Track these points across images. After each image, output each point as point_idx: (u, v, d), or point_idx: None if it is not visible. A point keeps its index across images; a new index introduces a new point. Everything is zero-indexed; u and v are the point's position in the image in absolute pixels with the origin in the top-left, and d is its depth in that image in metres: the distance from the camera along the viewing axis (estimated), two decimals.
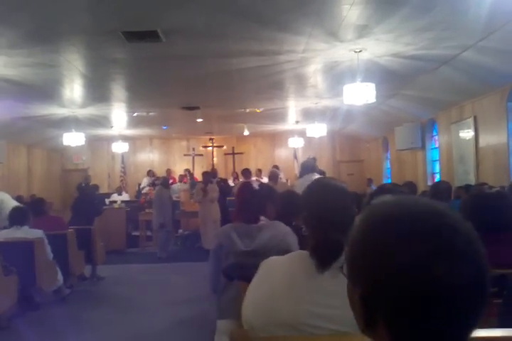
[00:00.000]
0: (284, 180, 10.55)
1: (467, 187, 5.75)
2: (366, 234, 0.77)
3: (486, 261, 0.73)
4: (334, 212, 1.55)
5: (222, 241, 2.86)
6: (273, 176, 9.63)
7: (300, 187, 6.65)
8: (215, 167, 13.40)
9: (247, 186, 3.04)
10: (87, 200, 8.30)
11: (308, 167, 6.89)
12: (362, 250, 0.76)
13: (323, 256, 1.49)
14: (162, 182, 9.96)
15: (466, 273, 0.70)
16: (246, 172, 10.03)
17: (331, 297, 1.46)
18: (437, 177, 10.05)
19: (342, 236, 1.48)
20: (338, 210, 1.56)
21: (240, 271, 2.38)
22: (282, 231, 2.84)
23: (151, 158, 16.21)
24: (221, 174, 12.96)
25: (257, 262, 1.73)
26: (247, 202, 2.95)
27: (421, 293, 0.70)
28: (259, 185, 3.02)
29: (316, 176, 6.71)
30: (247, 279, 2.13)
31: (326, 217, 1.55)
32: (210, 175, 9.91)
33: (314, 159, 8.43)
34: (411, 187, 5.46)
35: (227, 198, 9.82)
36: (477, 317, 0.73)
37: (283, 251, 2.72)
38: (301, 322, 1.46)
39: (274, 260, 1.66)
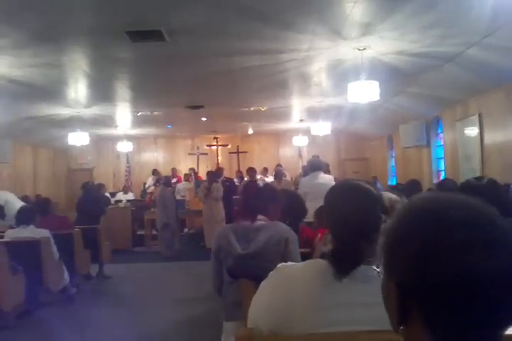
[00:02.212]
0: (288, 179, 10.56)
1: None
2: (404, 224, 0.79)
3: None
4: (361, 216, 1.48)
5: (221, 243, 2.83)
6: (278, 175, 9.67)
7: (306, 184, 6.65)
8: (221, 166, 13.39)
9: (251, 185, 3.08)
10: (90, 199, 8.34)
11: (314, 165, 6.88)
12: (400, 239, 0.78)
13: (342, 263, 1.43)
14: (164, 181, 9.96)
15: (502, 263, 0.70)
16: (251, 172, 10.01)
17: (353, 308, 1.41)
18: (442, 175, 10.01)
19: (365, 243, 1.45)
20: (365, 216, 1.48)
21: (244, 270, 2.38)
22: (281, 231, 2.80)
23: (155, 157, 16.24)
24: (226, 173, 12.97)
25: (260, 263, 1.69)
26: (250, 199, 2.96)
27: (455, 280, 0.71)
28: (263, 185, 3.06)
29: (322, 174, 6.71)
30: (252, 278, 2.13)
31: (351, 222, 1.47)
32: (214, 174, 9.92)
33: (317, 157, 8.44)
34: (415, 185, 5.46)
35: (234, 197, 9.83)
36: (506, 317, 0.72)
37: (282, 253, 2.72)
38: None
39: (288, 267, 1.57)
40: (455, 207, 0.77)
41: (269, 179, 12.05)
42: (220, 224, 9.28)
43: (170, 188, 10.01)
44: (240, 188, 9.09)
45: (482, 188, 2.69)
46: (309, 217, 4.40)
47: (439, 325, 0.73)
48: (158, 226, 9.59)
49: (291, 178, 12.34)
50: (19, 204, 6.57)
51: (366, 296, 1.39)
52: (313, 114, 10.95)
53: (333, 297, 1.43)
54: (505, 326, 0.73)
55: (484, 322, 0.71)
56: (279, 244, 2.73)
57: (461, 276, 0.70)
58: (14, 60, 5.93)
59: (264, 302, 1.53)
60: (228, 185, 10.20)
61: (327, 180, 6.54)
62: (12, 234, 5.50)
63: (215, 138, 15.03)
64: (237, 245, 2.75)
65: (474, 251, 0.71)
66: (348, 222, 1.48)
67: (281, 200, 3.17)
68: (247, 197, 3.04)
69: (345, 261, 1.43)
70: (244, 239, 2.77)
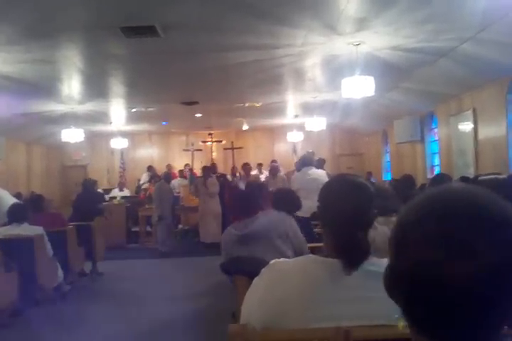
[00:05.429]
0: (282, 174, 10.60)
1: (464, 180, 5.74)
2: (401, 214, 0.78)
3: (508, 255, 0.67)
4: (358, 210, 1.48)
5: (226, 242, 3.02)
6: (273, 170, 9.69)
7: (298, 180, 6.70)
8: (215, 162, 13.38)
9: (232, 192, 3.29)
10: (88, 198, 8.32)
11: (305, 161, 6.93)
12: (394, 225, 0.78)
13: (353, 256, 1.43)
14: (164, 176, 10.09)
15: (468, 264, 0.66)
16: (246, 167, 9.95)
17: (351, 302, 1.40)
18: (437, 170, 10.04)
19: (365, 236, 1.46)
20: (362, 209, 1.49)
21: (236, 265, 2.39)
22: (277, 216, 2.99)
23: (150, 153, 16.20)
24: (220, 169, 12.97)
25: (253, 254, 1.70)
26: (243, 206, 3.11)
27: (406, 273, 0.70)
28: (245, 186, 3.24)
29: (313, 170, 6.76)
30: (244, 273, 2.13)
31: (350, 215, 1.48)
32: (209, 169, 9.95)
33: (312, 153, 8.47)
34: (408, 180, 5.46)
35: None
36: (487, 314, 0.67)
37: (285, 233, 2.81)
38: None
39: (281, 263, 1.57)
40: (443, 199, 0.73)
41: (264, 175, 12.05)
42: (217, 219, 9.34)
43: (168, 184, 10.10)
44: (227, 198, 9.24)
45: None
46: (305, 213, 4.41)
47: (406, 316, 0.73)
48: (153, 221, 9.61)
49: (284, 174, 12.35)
50: (12, 201, 6.52)
51: (366, 291, 1.39)
52: (307, 109, 10.94)
53: (329, 292, 1.42)
54: (480, 329, 0.68)
55: (449, 320, 0.68)
56: (280, 225, 2.89)
57: (411, 271, 0.69)
58: (7, 56, 5.88)
59: (257, 298, 1.52)
60: (222, 180, 10.24)
61: (319, 175, 6.57)
62: (4, 232, 5.46)
63: (210, 134, 14.98)
64: (235, 231, 2.97)
65: (439, 247, 0.68)
66: (346, 218, 1.48)
67: (265, 190, 3.38)
68: (239, 204, 3.17)
69: (355, 253, 1.43)
70: (244, 227, 2.97)
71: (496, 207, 0.70)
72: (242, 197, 3.13)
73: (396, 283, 0.73)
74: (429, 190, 0.78)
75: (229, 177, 11.50)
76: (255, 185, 3.47)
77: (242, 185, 8.71)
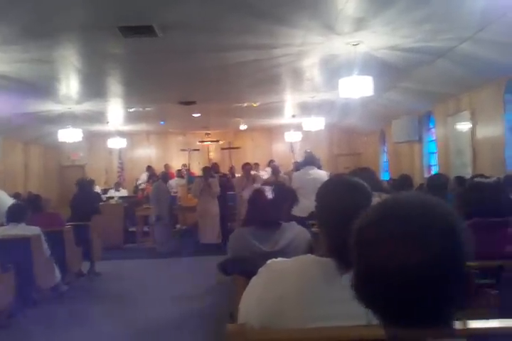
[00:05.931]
0: (284, 175, 10.58)
1: (458, 179, 5.76)
2: (362, 216, 0.89)
3: (452, 251, 0.78)
4: (354, 210, 1.49)
5: (239, 244, 2.83)
6: (275, 170, 9.66)
7: (298, 179, 6.67)
8: (215, 162, 13.36)
9: (260, 194, 3.01)
10: (85, 197, 8.30)
11: (307, 160, 6.90)
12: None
13: (348, 256, 1.44)
14: (162, 176, 10.10)
15: (410, 257, 0.76)
16: (246, 167, 9.86)
17: (348, 302, 1.40)
18: (434, 170, 10.05)
19: None
20: (358, 209, 1.50)
21: (234, 264, 2.37)
22: (300, 230, 2.88)
23: (148, 153, 16.18)
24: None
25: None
26: (264, 210, 2.90)
27: (370, 267, 0.80)
28: (273, 189, 2.99)
29: (315, 170, 6.73)
30: (242, 273, 2.12)
31: (346, 215, 1.40)
32: (210, 170, 9.90)
33: (310, 153, 8.45)
34: (405, 180, 5.47)
35: (228, 193, 9.92)
36: (434, 301, 0.77)
37: (305, 250, 2.75)
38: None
39: (279, 263, 1.57)
40: (394, 205, 0.84)
41: (262, 174, 12.03)
42: (215, 219, 9.33)
43: (166, 183, 10.11)
44: (237, 186, 9.21)
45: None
46: (302, 213, 4.41)
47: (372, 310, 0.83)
48: (151, 221, 9.60)
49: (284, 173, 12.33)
50: (10, 201, 6.51)
51: None
52: (306, 109, 10.93)
53: (324, 292, 1.42)
54: (429, 317, 0.78)
55: (400, 308, 0.78)
56: (302, 242, 2.79)
57: (373, 264, 0.79)
58: (4, 55, 5.87)
59: (255, 297, 1.52)
60: (224, 180, 10.21)
61: (319, 175, 6.56)
62: (2, 232, 5.45)
63: (208, 134, 14.98)
64: (257, 244, 2.74)
65: (387, 242, 0.78)
66: (342, 218, 1.47)
67: (288, 196, 3.23)
68: (260, 208, 2.96)
69: (348, 255, 1.42)
70: (267, 239, 2.77)
71: (444, 211, 0.82)
72: (270, 204, 2.88)
73: (365, 283, 0.82)
74: (386, 198, 0.90)
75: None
76: (282, 189, 3.22)
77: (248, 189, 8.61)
